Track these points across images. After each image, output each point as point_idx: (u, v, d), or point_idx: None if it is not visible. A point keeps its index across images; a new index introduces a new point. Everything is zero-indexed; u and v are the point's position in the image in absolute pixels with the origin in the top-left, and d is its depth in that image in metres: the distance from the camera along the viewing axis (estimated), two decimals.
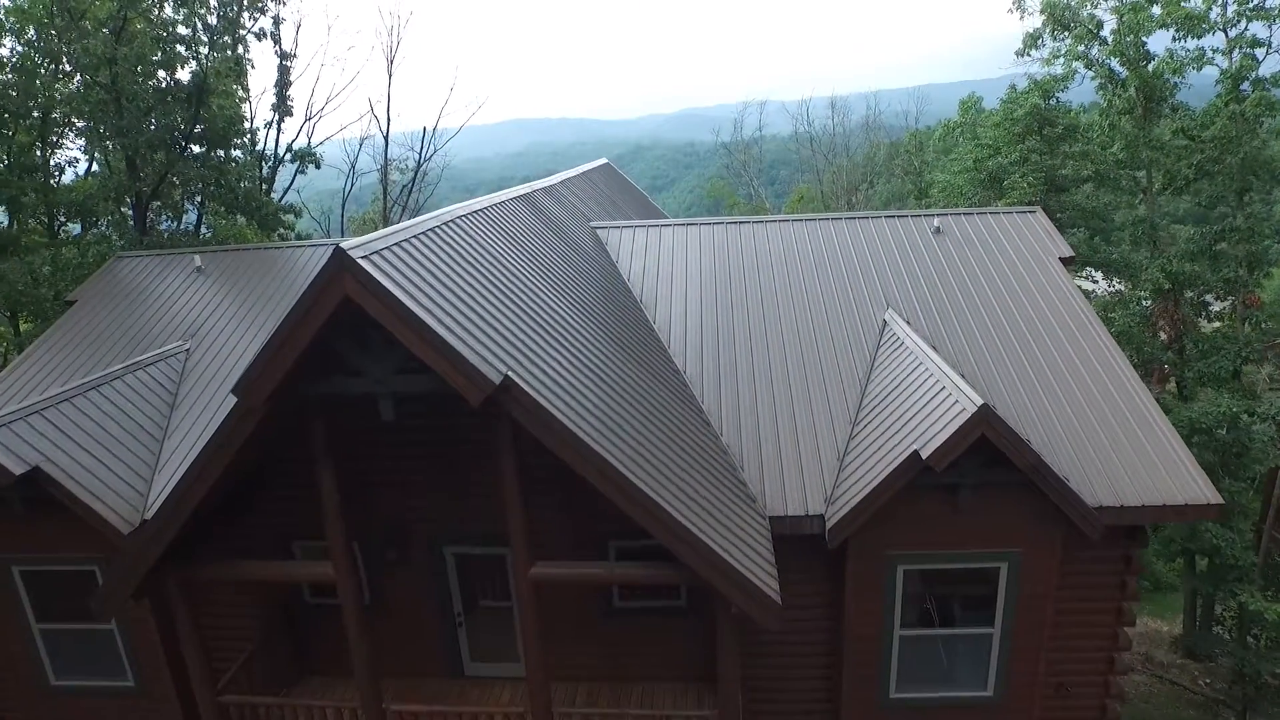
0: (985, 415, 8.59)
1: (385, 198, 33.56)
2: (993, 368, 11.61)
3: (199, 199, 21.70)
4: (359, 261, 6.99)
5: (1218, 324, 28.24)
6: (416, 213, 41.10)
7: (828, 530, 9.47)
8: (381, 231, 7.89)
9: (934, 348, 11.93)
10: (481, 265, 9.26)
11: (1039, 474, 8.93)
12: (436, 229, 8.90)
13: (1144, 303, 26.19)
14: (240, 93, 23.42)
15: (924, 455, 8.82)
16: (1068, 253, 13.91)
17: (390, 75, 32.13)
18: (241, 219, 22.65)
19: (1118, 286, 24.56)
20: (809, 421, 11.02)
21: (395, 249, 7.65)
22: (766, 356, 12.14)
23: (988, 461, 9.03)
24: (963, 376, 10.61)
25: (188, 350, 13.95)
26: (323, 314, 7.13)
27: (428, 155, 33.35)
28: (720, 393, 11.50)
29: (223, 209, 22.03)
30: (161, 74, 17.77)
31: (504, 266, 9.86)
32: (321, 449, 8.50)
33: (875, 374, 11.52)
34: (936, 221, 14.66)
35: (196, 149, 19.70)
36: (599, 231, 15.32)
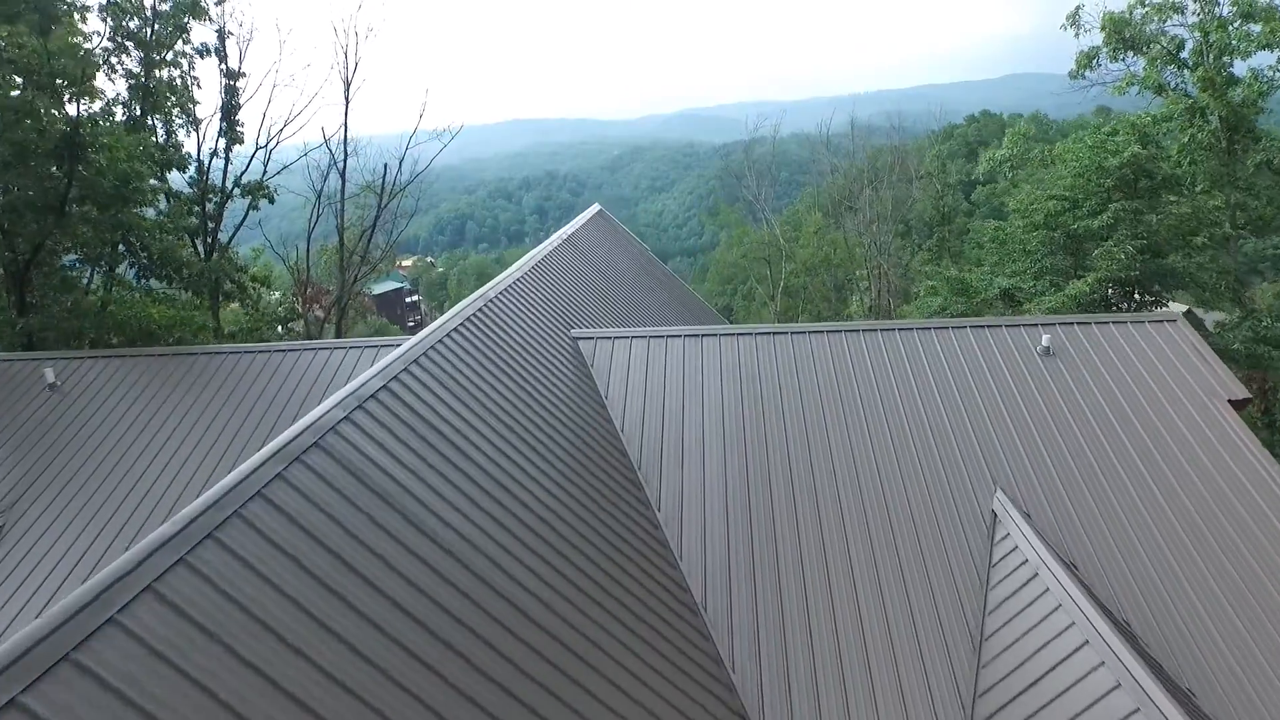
0: None
1: (342, 248, 29.48)
2: (1176, 614, 7.65)
3: (104, 264, 17.77)
4: None
5: None
6: (390, 243, 37.10)
7: None
8: (107, 574, 3.90)
9: (1073, 568, 8.02)
10: (343, 582, 5.22)
11: None
12: (236, 522, 4.77)
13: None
14: (147, 139, 19.35)
15: None
16: (1239, 392, 9.95)
17: (347, 101, 28.07)
18: (159, 284, 18.69)
19: None
20: (898, 710, 7.07)
21: (100, 651, 3.63)
22: (824, 574, 8.19)
23: None
24: (1134, 650, 6.71)
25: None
26: None
27: (393, 192, 29.25)
28: (760, 654, 7.53)
29: (134, 275, 18.11)
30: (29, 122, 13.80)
31: (405, 532, 5.84)
32: None
33: (995, 624, 7.56)
34: (1045, 337, 10.69)
35: (93, 208, 15.72)
36: (582, 343, 11.36)
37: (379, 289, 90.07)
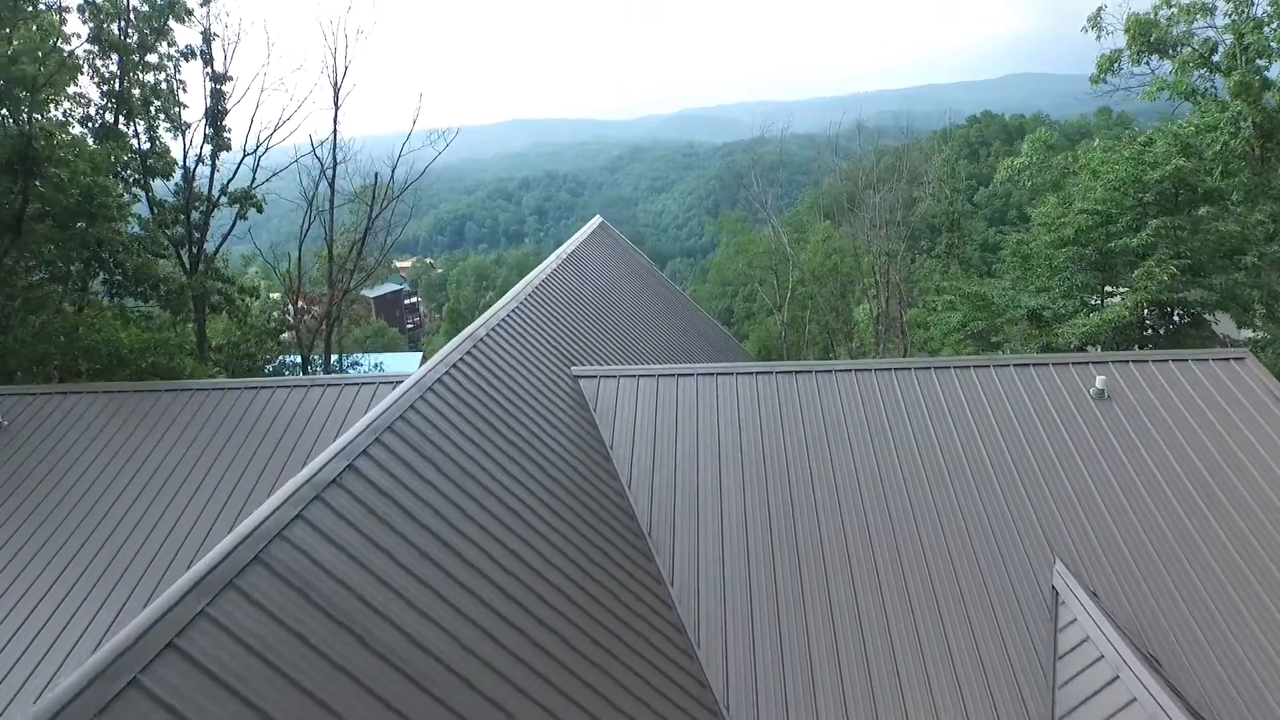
0: None
1: (330, 262, 28.36)
2: None
3: (74, 282, 16.63)
4: None
5: None
6: (384, 251, 35.97)
7: None
8: None
9: (1156, 664, 6.92)
10: None
11: None
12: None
13: None
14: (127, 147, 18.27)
15: None
16: None
17: (337, 106, 26.90)
18: (136, 303, 17.54)
19: None
20: None
21: None
22: (863, 667, 7.09)
23: None
24: None
25: None
26: None
27: (385, 202, 28.16)
28: None
29: (106, 293, 17.00)
30: None
31: (367, 665, 4.73)
32: None
33: None
34: (1099, 379, 9.59)
35: (54, 226, 14.58)
36: (584, 382, 10.26)
37: (377, 291, 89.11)
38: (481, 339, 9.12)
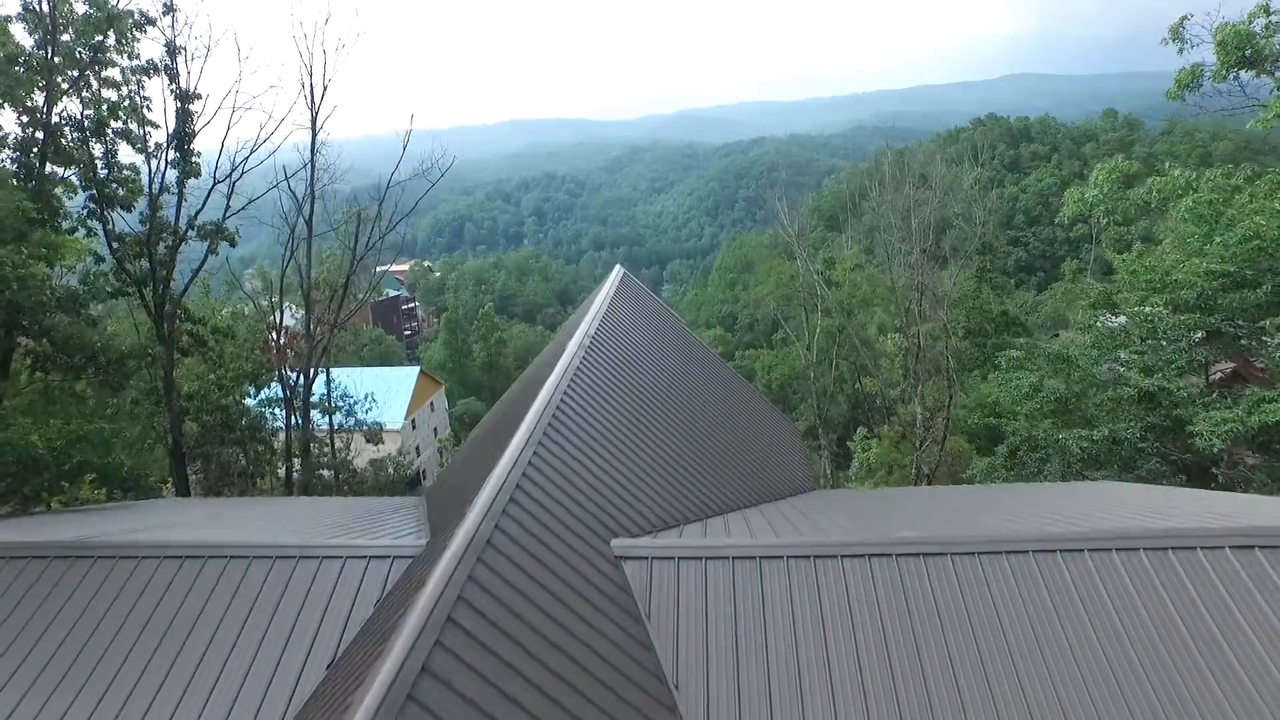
0: None
1: (308, 308, 25.41)
2: None
3: None
4: None
5: None
6: (371, 288, 33.11)
7: None
8: None
9: None
10: None
11: None
12: None
13: None
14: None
15: None
16: None
17: (314, 133, 23.88)
18: (58, 380, 14.62)
19: None
20: None
21: None
22: None
23: None
24: None
25: None
26: None
27: (369, 246, 25.23)
28: None
29: (28, 363, 14.14)
30: None
31: None
32: None
33: None
34: None
35: None
36: (629, 565, 7.39)
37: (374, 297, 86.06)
38: (489, 541, 6.23)
